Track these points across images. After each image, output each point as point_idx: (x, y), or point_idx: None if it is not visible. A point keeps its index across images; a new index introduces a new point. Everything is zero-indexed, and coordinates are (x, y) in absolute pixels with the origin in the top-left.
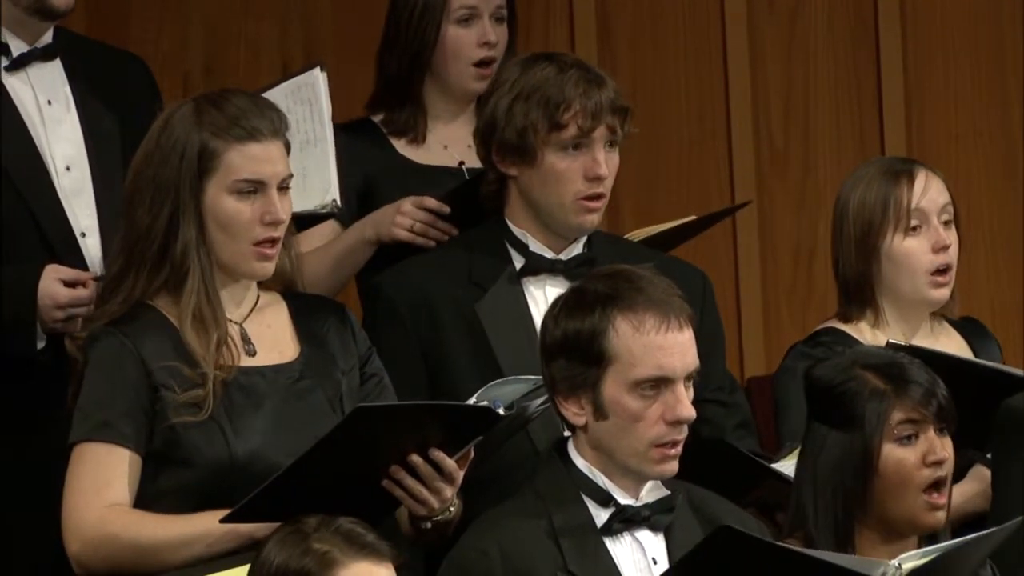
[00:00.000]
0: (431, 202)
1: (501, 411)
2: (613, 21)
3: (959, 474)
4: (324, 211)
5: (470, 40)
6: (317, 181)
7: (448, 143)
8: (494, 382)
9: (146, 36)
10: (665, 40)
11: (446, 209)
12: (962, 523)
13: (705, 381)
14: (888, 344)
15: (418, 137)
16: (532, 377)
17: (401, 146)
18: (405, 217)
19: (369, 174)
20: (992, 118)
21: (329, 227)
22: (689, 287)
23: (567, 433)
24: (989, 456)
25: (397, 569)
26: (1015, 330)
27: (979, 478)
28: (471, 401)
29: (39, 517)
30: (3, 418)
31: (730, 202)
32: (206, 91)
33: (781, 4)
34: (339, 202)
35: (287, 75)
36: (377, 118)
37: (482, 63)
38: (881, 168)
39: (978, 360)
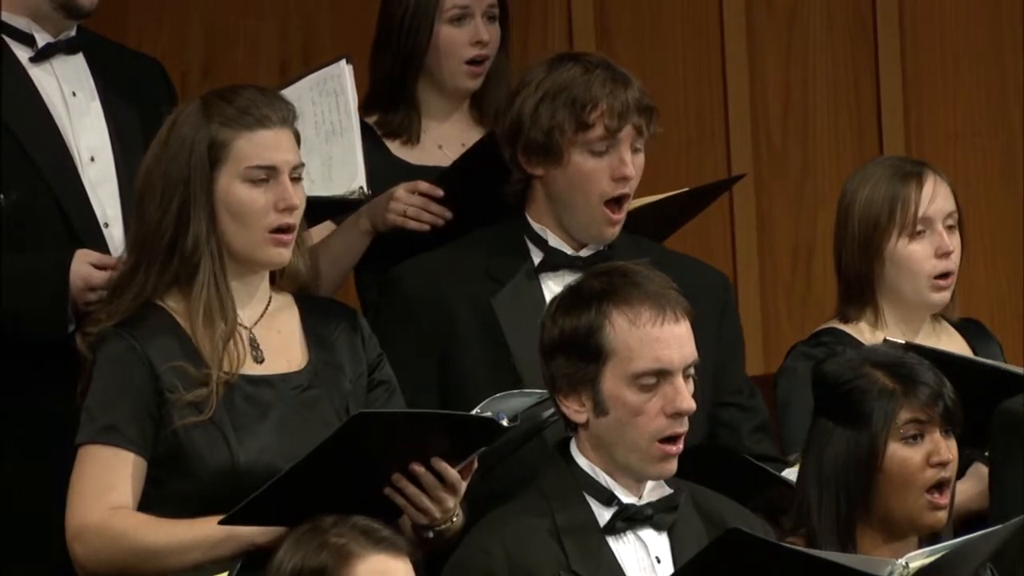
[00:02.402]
0: (424, 186)
1: (505, 423)
2: (611, 20)
3: (958, 472)
4: (352, 197)
5: (463, 39)
6: (343, 169)
7: (443, 143)
8: (499, 394)
9: (144, 35)
10: (663, 39)
11: (439, 192)
12: (962, 522)
13: (724, 385)
14: (884, 342)
15: (412, 138)
16: (537, 391)
17: (396, 147)
18: (398, 203)
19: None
20: (990, 118)
21: (324, 225)
22: (711, 291)
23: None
24: (988, 455)
25: (414, 564)
26: (1014, 329)
27: (978, 476)
28: (475, 411)
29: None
30: (29, 404)
31: (728, 202)
32: (211, 89)
33: (780, 4)
34: (366, 189)
35: (313, 68)
36: (371, 119)
37: (474, 61)
38: (890, 169)
39: (976, 358)
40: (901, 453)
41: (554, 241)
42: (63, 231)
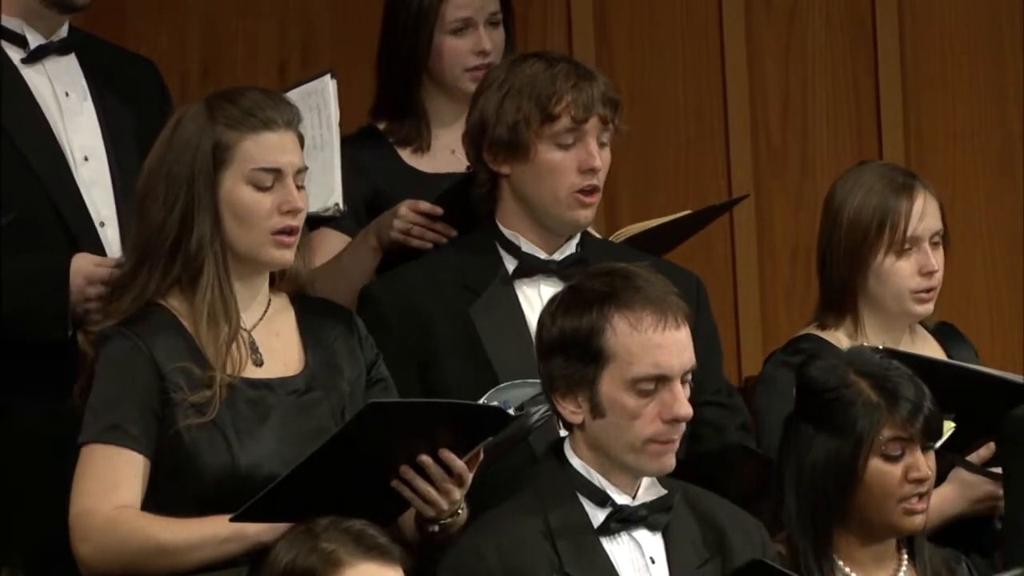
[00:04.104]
0: (425, 205)
1: (512, 411)
2: (611, 21)
3: (940, 478)
4: (327, 214)
5: (465, 48)
6: (322, 185)
7: (455, 147)
8: (501, 385)
9: (144, 35)
10: (663, 40)
11: (439, 211)
12: (943, 527)
13: (703, 385)
14: (875, 350)
15: (423, 145)
16: (540, 381)
17: (407, 155)
18: (401, 221)
19: (377, 186)
20: (989, 117)
21: (338, 240)
22: (683, 292)
23: (564, 432)
24: (973, 460)
25: (406, 572)
26: (1013, 329)
27: (959, 481)
28: (482, 401)
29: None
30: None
31: None
32: (215, 91)
33: (779, 4)
34: (342, 205)
35: (297, 81)
36: (382, 126)
37: (478, 68)
38: (881, 179)
39: (964, 364)
40: (881, 468)
41: (527, 246)
42: (59, 232)
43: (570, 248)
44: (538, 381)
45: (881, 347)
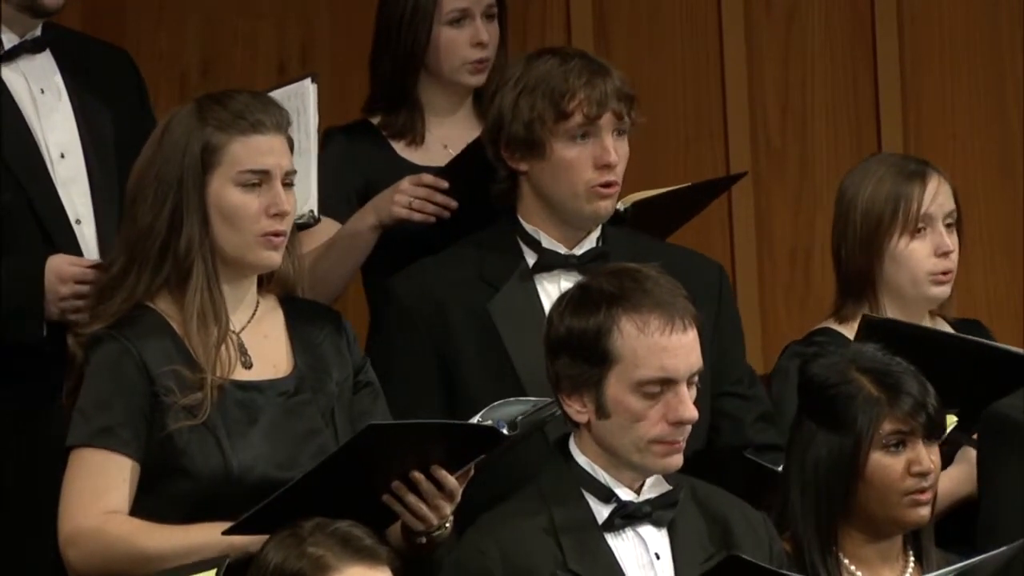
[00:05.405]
0: (428, 178)
1: (505, 431)
2: (610, 21)
3: (947, 459)
4: (300, 221)
5: (463, 40)
6: (298, 191)
7: (447, 142)
8: (496, 402)
9: (143, 34)
10: (662, 40)
11: (443, 184)
12: (953, 508)
13: (724, 375)
14: (863, 317)
15: (417, 138)
16: (534, 399)
17: (400, 148)
18: (403, 195)
19: (369, 177)
20: (989, 118)
21: (331, 226)
22: (706, 280)
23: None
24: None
25: (394, 572)
26: (1013, 329)
27: (967, 461)
28: (475, 420)
29: (41, 513)
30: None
31: (727, 203)
32: (207, 92)
33: (778, 4)
34: (316, 213)
35: (279, 83)
36: (375, 120)
37: (478, 61)
38: (893, 167)
39: (966, 336)
40: (883, 461)
41: (547, 242)
42: (35, 229)
43: (590, 243)
44: (531, 399)
45: (887, 317)
